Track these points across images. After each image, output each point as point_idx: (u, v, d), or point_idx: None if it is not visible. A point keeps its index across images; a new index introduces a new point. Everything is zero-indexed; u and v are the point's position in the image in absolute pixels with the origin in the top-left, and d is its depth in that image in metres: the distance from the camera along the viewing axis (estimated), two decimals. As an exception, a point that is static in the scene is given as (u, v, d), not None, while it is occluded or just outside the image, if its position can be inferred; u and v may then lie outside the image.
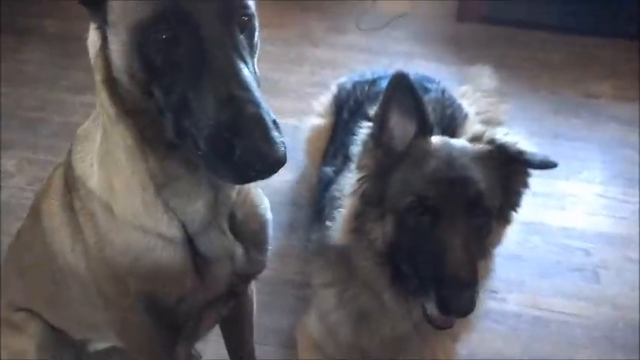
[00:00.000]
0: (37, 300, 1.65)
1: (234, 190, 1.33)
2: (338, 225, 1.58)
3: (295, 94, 3.11)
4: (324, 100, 2.49)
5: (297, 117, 2.91)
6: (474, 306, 1.32)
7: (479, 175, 1.39)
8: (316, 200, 2.22)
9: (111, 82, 1.12)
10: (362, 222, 1.50)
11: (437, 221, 1.37)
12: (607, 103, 3.15)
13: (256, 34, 1.10)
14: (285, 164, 1.00)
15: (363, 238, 1.50)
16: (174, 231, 1.26)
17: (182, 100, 1.02)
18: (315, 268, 1.78)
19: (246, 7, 1.06)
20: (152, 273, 1.29)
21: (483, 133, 1.49)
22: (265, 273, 2.10)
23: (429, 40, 3.56)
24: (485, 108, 2.57)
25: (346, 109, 2.30)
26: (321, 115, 2.46)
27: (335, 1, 3.81)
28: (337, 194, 1.70)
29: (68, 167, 1.36)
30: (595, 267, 2.35)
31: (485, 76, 2.82)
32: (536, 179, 2.61)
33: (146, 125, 1.13)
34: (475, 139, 1.49)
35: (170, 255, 1.28)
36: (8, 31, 3.46)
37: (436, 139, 1.47)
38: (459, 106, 2.29)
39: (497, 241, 1.52)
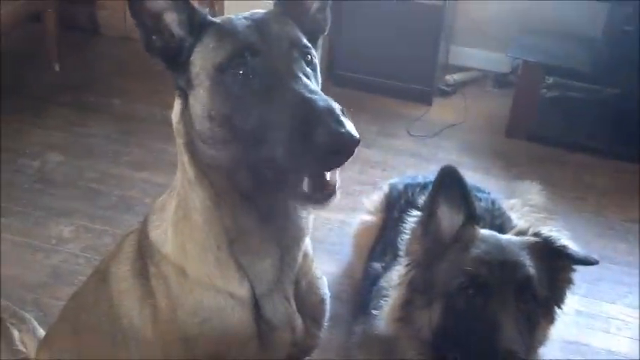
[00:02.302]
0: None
1: (300, 252, 1.41)
2: (384, 314, 1.61)
3: (344, 190, 3.10)
4: (375, 198, 2.56)
5: (344, 212, 2.97)
6: None
7: (528, 262, 1.44)
8: (360, 295, 2.24)
9: (191, 146, 1.27)
10: (409, 310, 1.53)
11: (487, 302, 1.39)
12: (653, 230, 3.15)
13: (318, 70, 1.31)
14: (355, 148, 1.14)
15: (409, 327, 1.52)
16: (243, 291, 1.34)
17: (259, 120, 1.16)
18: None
19: (307, 47, 1.27)
20: (220, 334, 1.35)
21: (529, 227, 1.57)
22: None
23: (478, 153, 3.64)
24: (533, 223, 2.61)
25: (397, 209, 2.36)
26: (371, 212, 2.52)
27: (388, 107, 3.94)
28: (385, 285, 1.74)
29: (143, 236, 1.45)
30: (639, 394, 2.30)
31: (534, 192, 2.86)
32: (582, 299, 2.65)
33: (221, 181, 1.27)
34: (521, 232, 1.56)
35: (238, 316, 1.34)
36: (77, 107, 3.64)
37: (483, 230, 1.53)
38: (509, 218, 2.33)
39: (542, 338, 1.54)
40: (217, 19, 1.29)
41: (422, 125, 3.82)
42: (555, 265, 1.52)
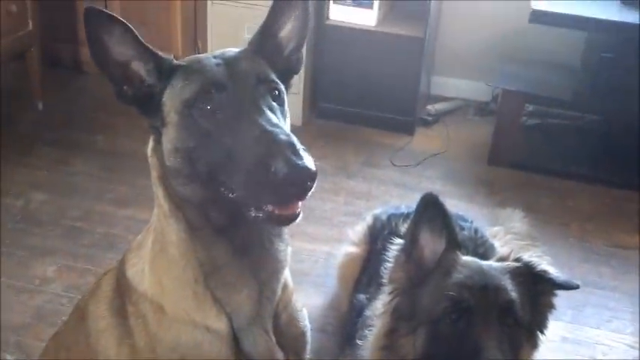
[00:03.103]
0: None
1: (279, 285, 1.41)
2: (369, 343, 1.62)
3: (329, 221, 3.19)
4: (359, 230, 2.57)
5: (330, 244, 2.98)
6: None
7: (509, 286, 1.46)
8: (345, 327, 2.24)
9: (164, 180, 1.31)
10: (393, 338, 1.54)
11: (471, 326, 1.42)
12: (637, 255, 3.16)
13: (286, 104, 1.33)
14: (314, 184, 1.17)
15: (394, 355, 1.53)
16: (221, 324, 1.35)
17: (222, 153, 1.19)
18: (344, 393, 1.79)
19: (275, 82, 1.30)
20: None
21: (510, 253, 1.60)
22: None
23: (461, 181, 3.66)
24: (514, 249, 2.62)
25: (381, 240, 2.36)
26: (355, 244, 2.52)
27: (371, 138, 3.97)
28: (369, 313, 1.75)
29: (120, 274, 1.46)
30: (627, 420, 2.29)
31: (517, 220, 2.88)
32: (568, 325, 2.65)
33: (193, 216, 1.29)
34: (502, 259, 1.59)
35: (217, 351, 1.35)
36: (60, 145, 3.64)
37: (465, 257, 1.56)
38: (492, 246, 2.35)
39: None
40: (184, 61, 1.33)
41: (405, 155, 3.85)
42: (537, 290, 1.55)
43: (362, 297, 2.12)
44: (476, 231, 2.36)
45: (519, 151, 3.82)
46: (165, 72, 1.29)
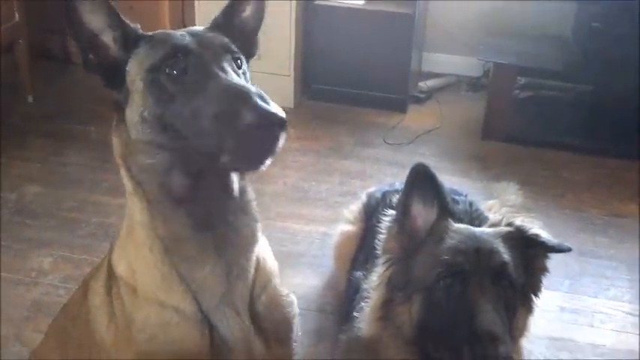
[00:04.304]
0: None
1: (250, 263, 1.39)
2: (365, 316, 1.62)
3: (325, 202, 3.19)
4: (354, 208, 2.57)
5: (326, 225, 2.98)
6: None
7: (502, 249, 1.47)
8: (344, 305, 2.24)
9: (125, 158, 1.32)
10: (389, 309, 1.54)
11: (465, 289, 1.42)
12: (633, 223, 3.17)
13: (248, 76, 1.34)
14: (285, 133, 1.16)
15: (391, 325, 1.53)
16: (187, 304, 1.34)
17: (192, 115, 1.19)
18: (343, 368, 1.79)
19: (237, 53, 1.32)
20: (169, 352, 1.35)
21: (501, 219, 1.59)
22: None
23: (455, 157, 3.66)
24: (508, 217, 2.62)
25: (376, 217, 2.36)
26: (350, 222, 2.52)
27: (363, 117, 3.97)
28: (365, 286, 1.76)
29: (109, 257, 1.48)
30: (627, 386, 2.30)
31: (511, 192, 2.89)
32: (565, 295, 2.66)
33: (152, 189, 1.29)
34: (494, 224, 1.59)
35: (184, 331, 1.35)
36: (53, 136, 3.63)
37: (457, 224, 1.56)
38: (487, 219, 2.34)
39: (522, 328, 1.55)
40: (151, 33, 1.34)
41: (398, 133, 3.84)
42: (529, 254, 1.55)
43: (359, 274, 2.12)
44: (471, 204, 2.35)
45: (512, 125, 3.82)
46: (131, 41, 1.31)
